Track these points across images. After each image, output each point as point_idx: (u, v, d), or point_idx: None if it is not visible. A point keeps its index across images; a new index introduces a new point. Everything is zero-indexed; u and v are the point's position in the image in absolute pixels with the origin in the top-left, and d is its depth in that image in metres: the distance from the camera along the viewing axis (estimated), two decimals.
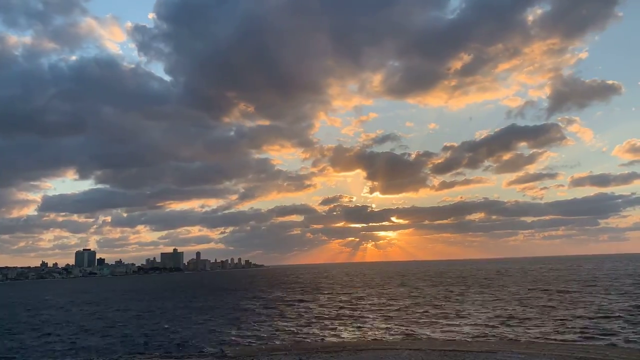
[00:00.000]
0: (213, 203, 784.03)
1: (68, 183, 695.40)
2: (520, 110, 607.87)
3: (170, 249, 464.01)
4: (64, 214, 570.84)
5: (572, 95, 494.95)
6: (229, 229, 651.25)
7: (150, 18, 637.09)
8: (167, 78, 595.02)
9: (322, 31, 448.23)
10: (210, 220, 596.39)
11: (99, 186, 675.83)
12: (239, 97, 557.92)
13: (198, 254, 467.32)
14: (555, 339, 25.68)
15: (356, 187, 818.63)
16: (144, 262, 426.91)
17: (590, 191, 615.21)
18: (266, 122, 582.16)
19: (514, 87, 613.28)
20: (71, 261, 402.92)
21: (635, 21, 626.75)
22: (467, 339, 26.48)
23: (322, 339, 28.38)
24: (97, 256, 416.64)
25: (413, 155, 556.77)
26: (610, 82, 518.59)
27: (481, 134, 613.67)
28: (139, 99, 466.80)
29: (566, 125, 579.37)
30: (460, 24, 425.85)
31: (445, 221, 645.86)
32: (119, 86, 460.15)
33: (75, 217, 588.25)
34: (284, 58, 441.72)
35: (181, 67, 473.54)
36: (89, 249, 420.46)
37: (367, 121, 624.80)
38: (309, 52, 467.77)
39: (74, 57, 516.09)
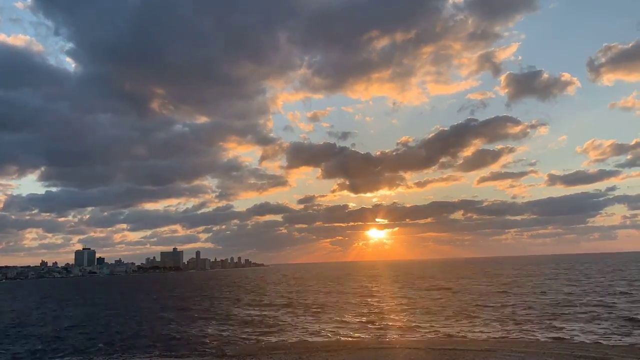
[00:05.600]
0: (189, 202, 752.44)
1: (25, 182, 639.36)
2: (478, 104, 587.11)
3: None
4: (31, 212, 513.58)
5: (524, 89, 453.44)
6: (215, 228, 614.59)
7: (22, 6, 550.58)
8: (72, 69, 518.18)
9: (216, 19, 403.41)
10: (190, 219, 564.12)
11: (51, 184, 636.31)
12: (152, 92, 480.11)
13: (198, 253, 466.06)
14: (554, 338, 25.71)
15: (326, 185, 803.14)
16: (144, 262, 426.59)
17: (566, 190, 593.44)
18: (206, 119, 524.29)
19: (470, 81, 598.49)
20: (65, 260, 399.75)
21: (570, 8, 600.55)
22: (466, 338, 26.50)
23: (322, 338, 28.39)
24: (97, 255, 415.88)
25: (378, 153, 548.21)
26: (566, 76, 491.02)
27: (438, 128, 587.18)
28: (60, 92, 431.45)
29: (530, 123, 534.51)
30: (376, 7, 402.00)
31: (429, 220, 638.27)
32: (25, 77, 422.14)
33: (46, 216, 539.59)
34: (189, 50, 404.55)
35: (85, 58, 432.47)
36: (89, 248, 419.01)
37: (325, 116, 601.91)
38: (213, 45, 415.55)
39: None
